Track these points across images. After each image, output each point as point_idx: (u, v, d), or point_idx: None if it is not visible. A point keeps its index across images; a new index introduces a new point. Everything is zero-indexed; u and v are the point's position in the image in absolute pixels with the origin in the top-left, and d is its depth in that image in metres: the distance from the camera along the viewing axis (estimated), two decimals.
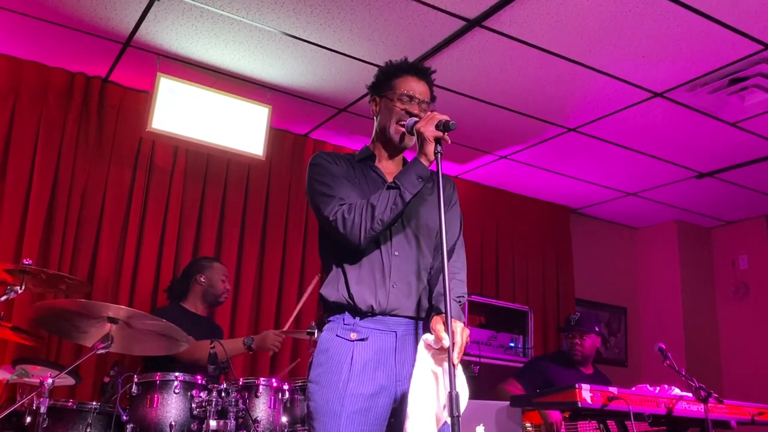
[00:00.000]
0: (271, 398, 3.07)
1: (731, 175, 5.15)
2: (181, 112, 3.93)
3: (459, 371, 1.78)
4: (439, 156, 1.90)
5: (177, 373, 3.00)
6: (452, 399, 1.63)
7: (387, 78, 2.14)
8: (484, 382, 4.23)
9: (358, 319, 1.95)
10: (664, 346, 3.38)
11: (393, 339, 1.95)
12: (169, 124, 3.90)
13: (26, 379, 3.08)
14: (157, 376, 2.97)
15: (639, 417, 2.92)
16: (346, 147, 4.93)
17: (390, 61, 2.19)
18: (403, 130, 2.07)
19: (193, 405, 2.95)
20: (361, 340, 1.93)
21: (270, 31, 3.58)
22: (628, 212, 6.12)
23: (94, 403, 3.00)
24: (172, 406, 2.93)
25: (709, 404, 3.12)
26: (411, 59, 2.23)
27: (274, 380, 3.12)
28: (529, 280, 5.69)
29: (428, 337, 1.82)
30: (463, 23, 3.41)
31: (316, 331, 3.41)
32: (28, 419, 2.84)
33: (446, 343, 1.72)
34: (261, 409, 3.04)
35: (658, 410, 3.04)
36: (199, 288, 3.80)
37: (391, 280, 1.96)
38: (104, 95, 4.22)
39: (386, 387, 1.91)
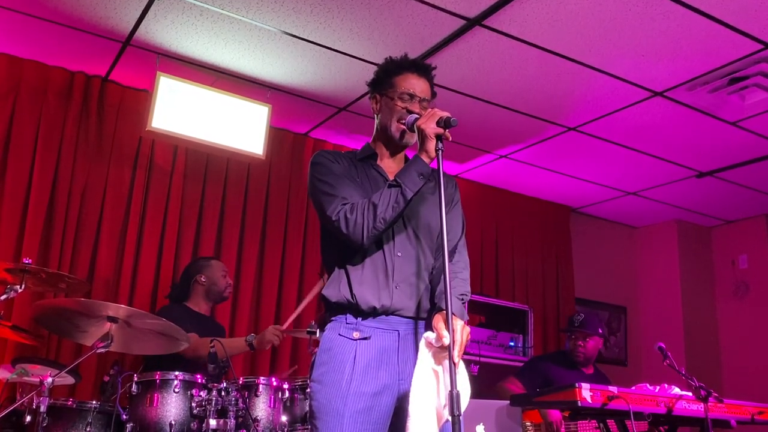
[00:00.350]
0: (271, 397, 3.07)
1: (731, 174, 5.15)
2: (180, 111, 3.93)
3: (461, 369, 1.77)
4: (440, 153, 1.90)
5: (177, 373, 3.00)
6: (452, 398, 1.63)
7: (387, 75, 2.13)
8: (484, 381, 4.23)
9: (360, 319, 1.95)
10: (664, 346, 3.38)
11: (395, 338, 1.95)
12: (168, 123, 3.89)
13: (26, 378, 3.08)
14: (157, 375, 2.97)
15: (639, 416, 2.92)
16: (346, 146, 4.93)
17: (390, 57, 2.17)
18: (404, 127, 2.06)
19: (192, 404, 2.95)
20: (364, 339, 1.93)
21: (270, 30, 3.58)
22: (628, 211, 6.12)
23: (94, 402, 2.99)
24: (171, 405, 2.93)
25: (709, 403, 3.12)
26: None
27: (274, 379, 3.12)
28: (528, 280, 5.69)
29: (429, 335, 1.82)
30: (463, 22, 3.41)
31: (317, 330, 3.41)
32: (28, 418, 2.84)
33: (446, 341, 1.72)
34: (261, 408, 3.03)
35: (658, 409, 3.04)
36: (201, 288, 3.79)
37: (394, 281, 1.96)
38: (104, 94, 4.22)
39: (389, 386, 1.91)
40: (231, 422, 2.92)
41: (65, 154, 4.03)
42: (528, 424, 3.75)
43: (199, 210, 4.41)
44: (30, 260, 2.84)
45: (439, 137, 1.91)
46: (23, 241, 3.82)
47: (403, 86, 2.08)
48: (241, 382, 3.05)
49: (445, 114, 1.92)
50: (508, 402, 3.30)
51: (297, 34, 3.60)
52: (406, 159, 2.17)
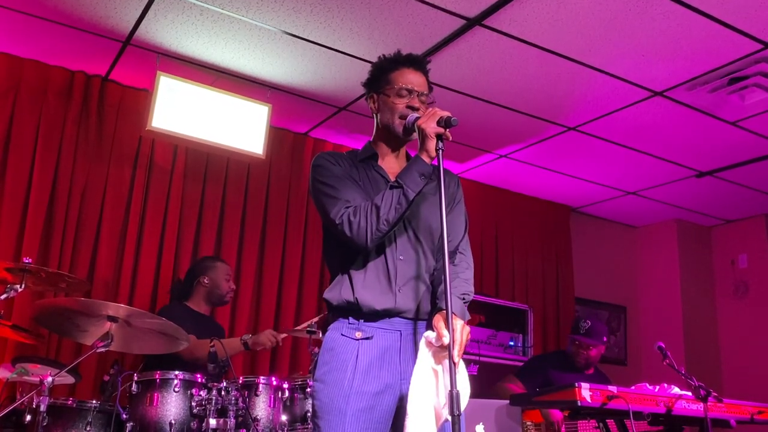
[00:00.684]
0: (270, 397, 3.07)
1: (731, 174, 5.15)
2: (180, 110, 3.93)
3: (462, 368, 1.78)
4: (441, 153, 1.90)
5: (177, 372, 3.01)
6: (452, 397, 1.63)
7: (382, 73, 2.12)
8: (484, 380, 4.23)
9: (362, 320, 1.96)
10: (663, 345, 3.38)
11: (398, 337, 1.96)
12: (168, 122, 3.89)
13: (26, 378, 3.09)
14: (157, 375, 2.98)
15: (638, 416, 2.92)
16: (345, 145, 4.93)
17: (383, 55, 2.16)
18: (405, 123, 2.05)
19: (192, 403, 2.95)
20: (366, 338, 1.94)
21: (270, 30, 3.58)
22: (627, 211, 6.12)
23: (94, 401, 2.99)
24: (171, 405, 2.94)
25: (709, 403, 3.12)
26: None
27: (273, 379, 3.12)
28: (528, 279, 5.69)
29: (429, 335, 1.82)
30: (463, 22, 3.41)
31: (319, 330, 3.41)
32: (28, 417, 2.84)
33: (446, 340, 1.72)
34: (261, 407, 3.04)
35: (658, 409, 3.04)
36: (203, 289, 3.80)
37: (396, 285, 1.96)
38: (104, 94, 4.22)
39: (391, 385, 1.92)
40: (231, 422, 2.92)
41: (65, 154, 4.03)
42: (528, 423, 3.75)
43: (199, 209, 4.41)
44: (30, 259, 2.84)
45: (439, 137, 1.91)
46: (23, 240, 3.82)
47: (400, 82, 2.07)
48: (241, 381, 3.06)
49: (446, 113, 1.91)
50: (508, 401, 3.30)
51: (297, 34, 3.60)
52: (408, 157, 2.17)
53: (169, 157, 4.37)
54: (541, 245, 5.81)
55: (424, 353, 1.81)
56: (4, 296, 2.83)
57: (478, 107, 4.25)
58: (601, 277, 6.18)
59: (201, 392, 2.98)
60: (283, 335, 3.74)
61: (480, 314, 4.92)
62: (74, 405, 2.95)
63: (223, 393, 2.98)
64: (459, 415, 1.61)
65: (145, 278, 4.15)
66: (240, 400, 2.96)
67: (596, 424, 3.61)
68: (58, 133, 4.03)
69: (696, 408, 3.12)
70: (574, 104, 4.21)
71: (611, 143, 4.73)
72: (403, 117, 2.05)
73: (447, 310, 1.72)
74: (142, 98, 4.18)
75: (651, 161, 4.98)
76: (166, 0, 3.36)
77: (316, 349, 3.31)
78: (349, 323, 1.96)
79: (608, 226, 6.38)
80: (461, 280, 2.02)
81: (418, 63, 2.12)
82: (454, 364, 1.68)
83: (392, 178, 2.02)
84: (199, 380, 3.03)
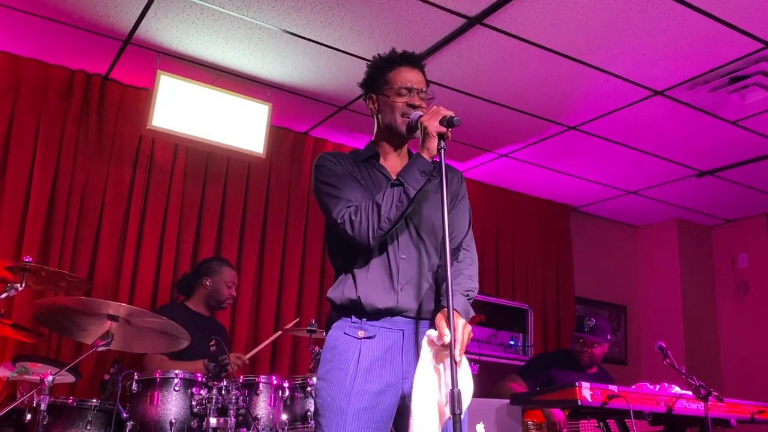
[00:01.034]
0: (271, 396, 3.07)
1: (731, 173, 5.15)
2: (181, 109, 3.92)
3: (464, 367, 1.78)
4: (443, 152, 1.90)
5: (177, 371, 3.01)
6: (453, 396, 1.63)
7: (380, 73, 2.12)
8: (484, 380, 4.23)
9: (365, 319, 1.96)
10: (664, 345, 3.38)
11: (400, 337, 1.96)
12: (169, 121, 3.89)
13: (26, 377, 3.08)
14: (157, 374, 2.98)
15: (639, 415, 2.93)
16: (346, 145, 4.93)
17: (378, 55, 2.16)
18: (409, 121, 2.05)
19: (193, 402, 2.95)
20: (369, 338, 1.94)
21: (270, 29, 3.58)
22: (628, 210, 6.12)
23: (94, 400, 2.99)
24: (172, 404, 2.94)
25: (709, 402, 3.13)
26: None
27: (274, 378, 3.12)
28: (529, 279, 5.69)
29: (431, 333, 1.83)
30: (463, 21, 3.41)
31: (319, 329, 3.41)
32: (29, 416, 2.84)
33: (447, 339, 1.72)
34: (261, 406, 3.04)
35: (658, 408, 3.04)
36: (203, 291, 3.81)
37: (399, 283, 1.97)
38: (104, 93, 4.22)
39: (393, 384, 1.92)
40: (231, 421, 2.92)
41: (65, 153, 4.02)
42: (529, 423, 3.75)
43: (199, 209, 4.41)
44: (30, 258, 2.84)
45: (441, 136, 1.91)
46: (23, 239, 3.82)
47: (399, 81, 2.07)
48: (241, 380, 3.06)
49: (449, 113, 1.92)
50: (509, 401, 3.30)
51: (297, 33, 3.60)
52: (410, 154, 2.17)
53: (170, 157, 4.36)
54: (541, 244, 5.81)
55: (427, 352, 1.81)
56: (4, 295, 2.82)
57: (478, 106, 4.25)
58: (601, 276, 6.18)
59: (201, 391, 2.98)
60: (249, 355, 3.74)
61: (480, 314, 4.92)
62: (74, 404, 2.95)
63: (223, 392, 2.98)
64: (460, 414, 1.62)
65: (145, 277, 4.15)
66: (240, 399, 2.96)
67: (597, 424, 3.61)
68: (59, 132, 4.03)
69: (696, 407, 3.13)
70: (574, 103, 4.20)
71: (611, 142, 4.72)
72: (405, 115, 2.05)
73: (449, 308, 1.72)
74: (142, 97, 4.18)
75: (651, 161, 4.97)
76: None
77: (317, 348, 3.32)
78: (352, 322, 1.97)
79: (608, 226, 6.38)
80: (465, 277, 2.03)
81: (414, 60, 2.12)
82: (455, 362, 1.68)
83: (394, 177, 2.02)
84: (200, 379, 3.03)
